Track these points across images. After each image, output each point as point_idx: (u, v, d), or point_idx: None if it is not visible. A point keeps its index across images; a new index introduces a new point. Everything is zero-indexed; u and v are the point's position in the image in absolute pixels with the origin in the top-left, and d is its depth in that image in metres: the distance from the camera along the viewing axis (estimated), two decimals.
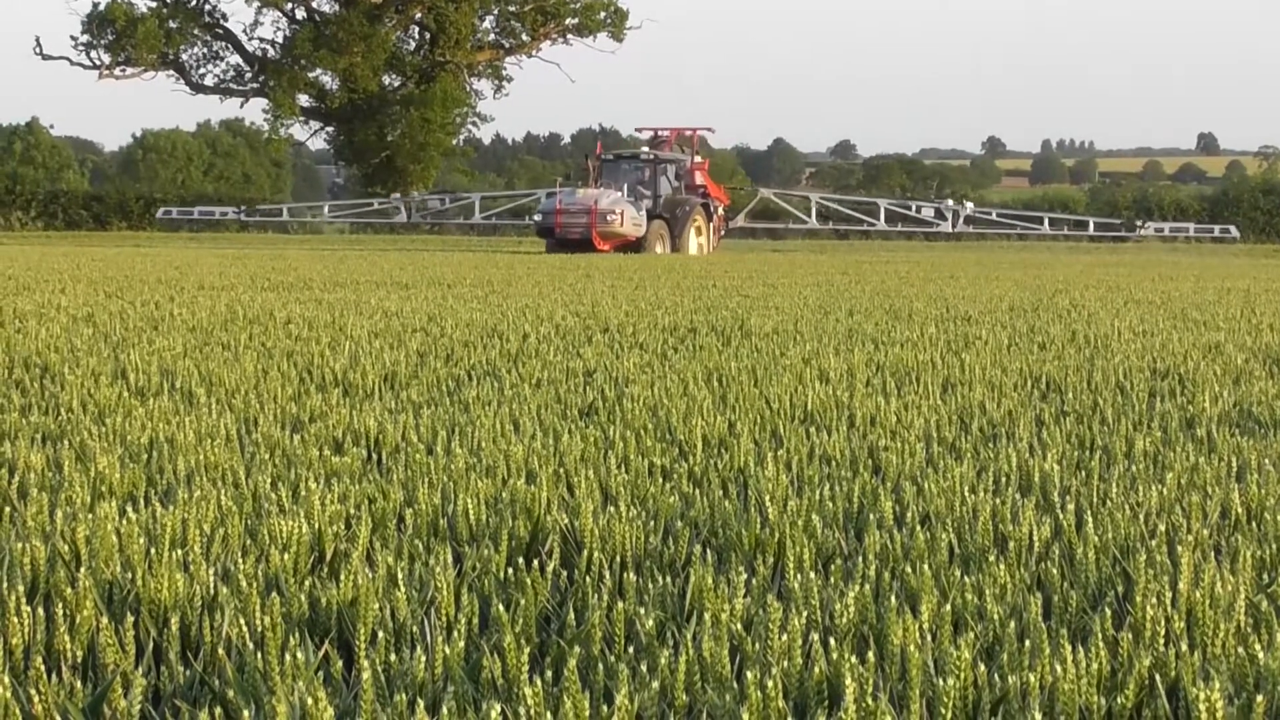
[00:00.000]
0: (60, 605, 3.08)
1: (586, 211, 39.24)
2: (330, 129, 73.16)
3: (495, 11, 72.51)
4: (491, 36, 73.37)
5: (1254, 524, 4.19)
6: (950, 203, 57.10)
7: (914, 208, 57.35)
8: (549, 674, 2.81)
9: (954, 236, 54.39)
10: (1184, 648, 2.92)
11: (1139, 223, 56.01)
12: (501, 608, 3.04)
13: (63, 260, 26.46)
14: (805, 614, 3.16)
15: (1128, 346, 9.68)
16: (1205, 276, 24.31)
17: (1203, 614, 3.11)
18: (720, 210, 44.74)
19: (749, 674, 2.62)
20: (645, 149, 44.25)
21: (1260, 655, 2.83)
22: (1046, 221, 56.60)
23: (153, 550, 3.54)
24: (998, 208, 62.30)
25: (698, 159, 44.52)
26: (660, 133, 46.07)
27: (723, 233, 45.35)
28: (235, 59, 72.42)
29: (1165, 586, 3.33)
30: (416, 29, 73.37)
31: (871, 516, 4.15)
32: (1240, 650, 2.86)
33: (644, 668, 2.81)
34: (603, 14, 71.62)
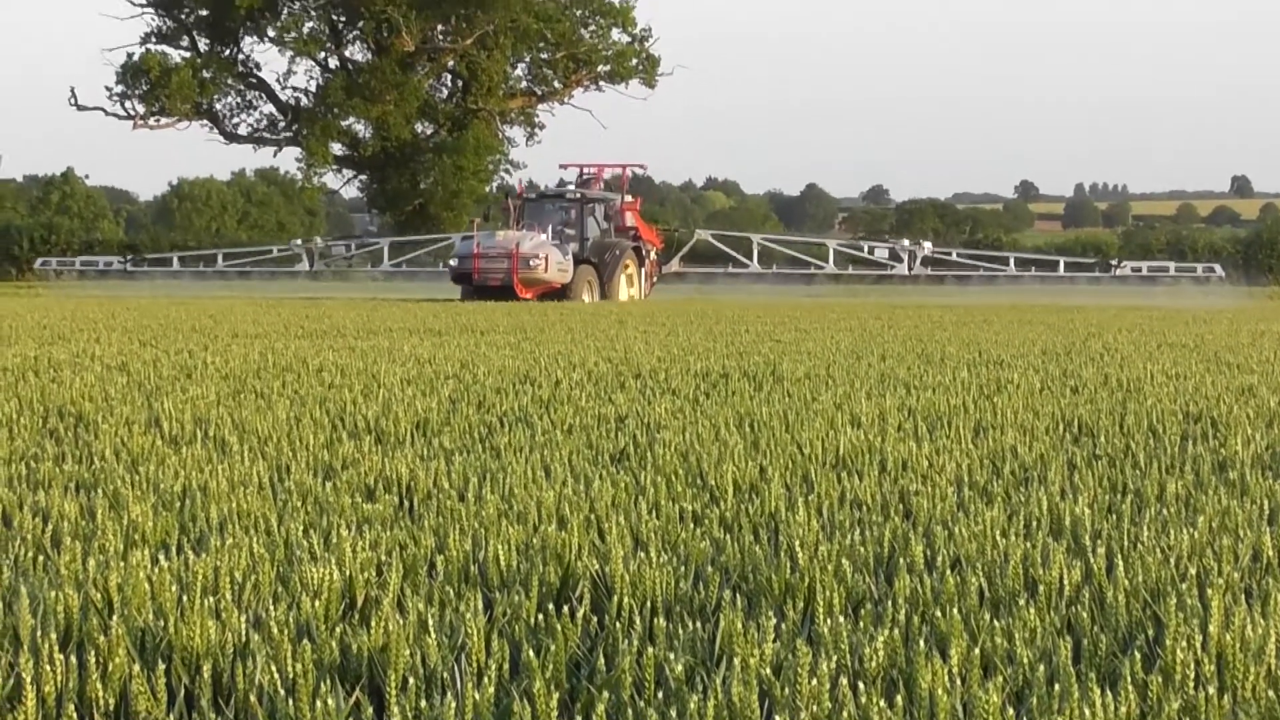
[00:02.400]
0: (93, 653, 3.09)
1: (508, 255, 35.77)
2: (363, 177, 73.42)
3: (527, 59, 72.72)
4: (524, 84, 73.55)
5: None
6: (906, 243, 54.05)
7: (866, 248, 54.03)
8: (579, 719, 2.82)
9: (910, 279, 50.17)
10: (1213, 691, 2.91)
11: (1113, 261, 54.38)
12: (532, 653, 3.05)
13: (97, 309, 26.60)
14: (835, 658, 3.17)
15: (1160, 390, 9.66)
16: (1239, 320, 24.23)
17: (1233, 657, 3.11)
18: (653, 254, 41.17)
19: (778, 718, 2.62)
20: (571, 187, 40.14)
21: None
22: (1012, 262, 54.38)
23: (185, 598, 3.56)
24: (1032, 251, 60.87)
25: (628, 198, 40.66)
26: (586, 170, 41.60)
27: (655, 279, 41.79)
28: (269, 108, 72.70)
29: (1196, 630, 3.32)
30: (449, 77, 73.62)
31: (902, 561, 4.15)
32: (1270, 693, 2.85)
33: (673, 713, 2.81)
34: (634, 60, 71.72)
